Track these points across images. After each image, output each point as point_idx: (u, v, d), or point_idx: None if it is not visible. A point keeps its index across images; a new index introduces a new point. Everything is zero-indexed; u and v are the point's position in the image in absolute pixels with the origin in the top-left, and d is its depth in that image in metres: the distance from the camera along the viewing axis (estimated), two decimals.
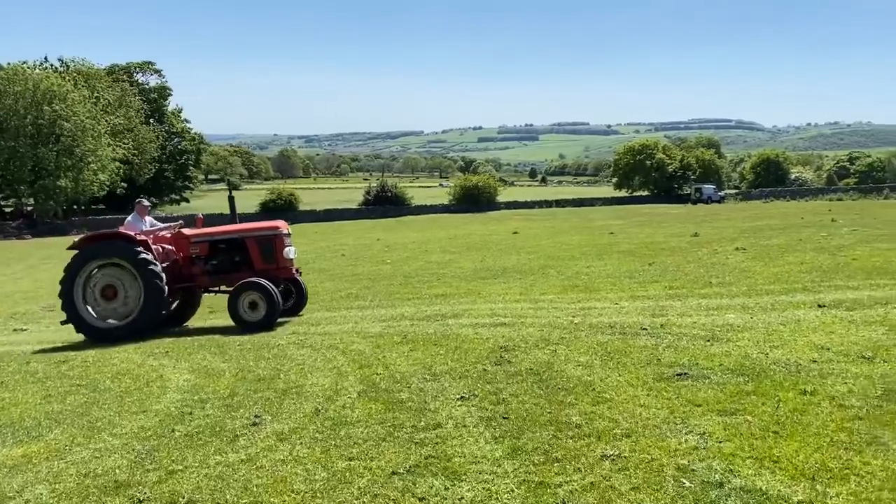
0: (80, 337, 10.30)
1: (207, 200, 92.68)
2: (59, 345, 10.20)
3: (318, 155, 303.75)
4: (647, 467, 3.98)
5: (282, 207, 58.28)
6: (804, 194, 67.68)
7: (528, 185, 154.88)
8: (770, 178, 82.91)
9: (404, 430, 4.90)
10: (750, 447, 4.16)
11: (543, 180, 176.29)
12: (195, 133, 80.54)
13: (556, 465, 4.12)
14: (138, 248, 10.42)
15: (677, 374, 5.89)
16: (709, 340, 7.25)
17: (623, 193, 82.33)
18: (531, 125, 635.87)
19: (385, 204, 60.59)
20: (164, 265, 10.51)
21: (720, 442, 4.28)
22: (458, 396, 5.63)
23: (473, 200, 61.85)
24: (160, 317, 10.62)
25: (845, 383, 5.31)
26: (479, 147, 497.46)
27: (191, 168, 79.46)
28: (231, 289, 10.68)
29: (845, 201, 56.27)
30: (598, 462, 4.11)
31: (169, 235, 11.42)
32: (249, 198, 59.70)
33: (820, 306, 8.87)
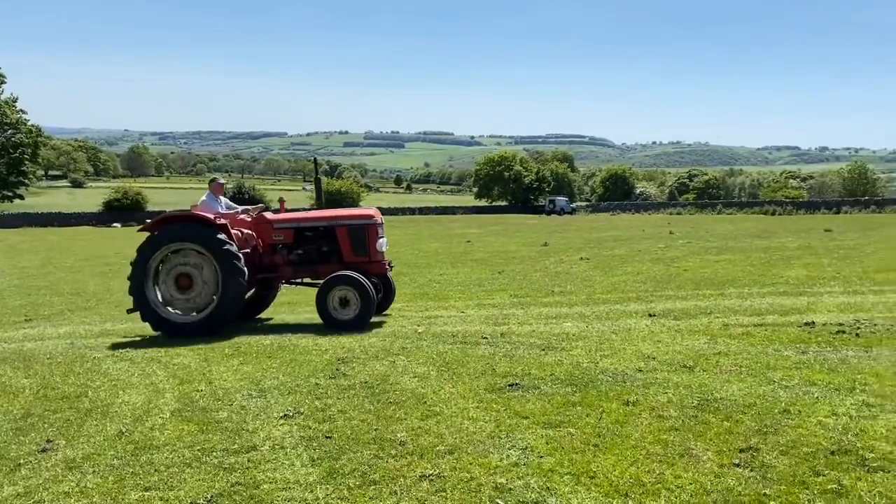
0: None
1: (46, 198, 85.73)
2: None
3: (172, 153, 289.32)
4: (465, 487, 3.84)
5: (128, 207, 54.85)
6: (647, 208, 72.03)
7: (394, 192, 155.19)
8: (618, 192, 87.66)
9: (214, 453, 4.50)
10: (569, 462, 4.12)
11: (409, 188, 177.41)
12: (32, 125, 74.24)
13: (372, 487, 3.89)
14: (218, 233, 9.34)
15: (510, 385, 5.85)
16: (544, 349, 7.31)
17: (483, 203, 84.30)
18: (397, 132, 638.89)
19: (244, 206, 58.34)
20: (243, 252, 9.47)
21: (541, 457, 4.21)
22: (281, 414, 5.28)
23: (337, 205, 60.99)
24: (237, 310, 9.61)
25: (666, 393, 5.45)
26: (345, 152, 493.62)
27: (26, 163, 73.16)
28: (317, 281, 9.92)
29: (683, 215, 60.41)
30: (416, 483, 3.92)
31: (248, 219, 10.30)
32: (93, 196, 55.78)
33: (650, 315, 9.24)
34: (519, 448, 4.38)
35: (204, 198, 10.39)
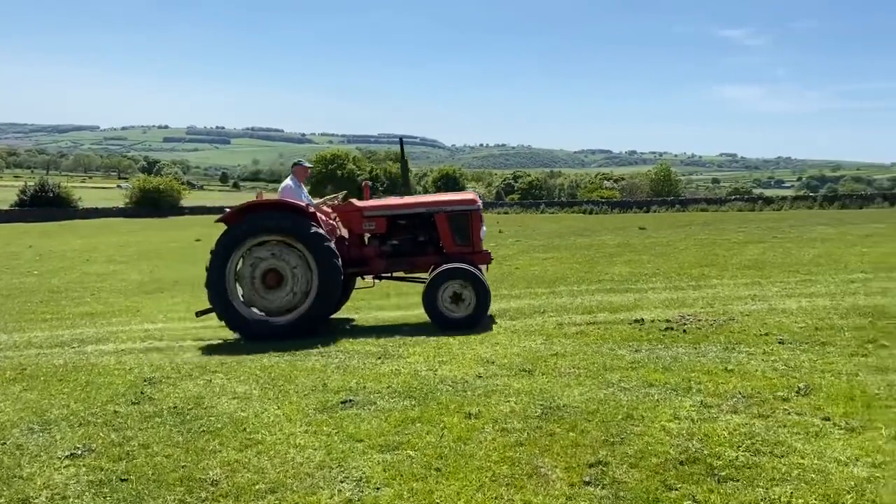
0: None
1: None
2: None
3: None
4: None
5: None
6: None
7: (220, 190, 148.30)
8: (449, 192, 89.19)
9: None
10: (409, 492, 3.66)
11: (236, 185, 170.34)
12: None
13: None
14: (312, 223, 8.38)
15: (342, 402, 5.30)
16: (380, 358, 6.83)
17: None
18: (223, 128, 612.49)
19: (47, 206, 52.91)
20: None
21: (378, 489, 3.72)
22: (67, 453, 4.40)
23: (154, 204, 56.95)
24: (333, 310, 8.72)
25: (508, 402, 5.15)
26: (166, 147, 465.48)
27: None
28: (412, 274, 9.19)
29: (511, 214, 62.47)
30: None
31: (330, 207, 9.26)
32: None
33: (487, 316, 9.05)
34: (353, 479, 3.86)
35: (289, 182, 9.27)
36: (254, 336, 8.29)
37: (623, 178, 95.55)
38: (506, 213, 65.58)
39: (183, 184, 76.61)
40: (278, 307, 8.43)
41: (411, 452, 4.22)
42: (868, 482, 3.52)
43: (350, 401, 5.32)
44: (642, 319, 8.19)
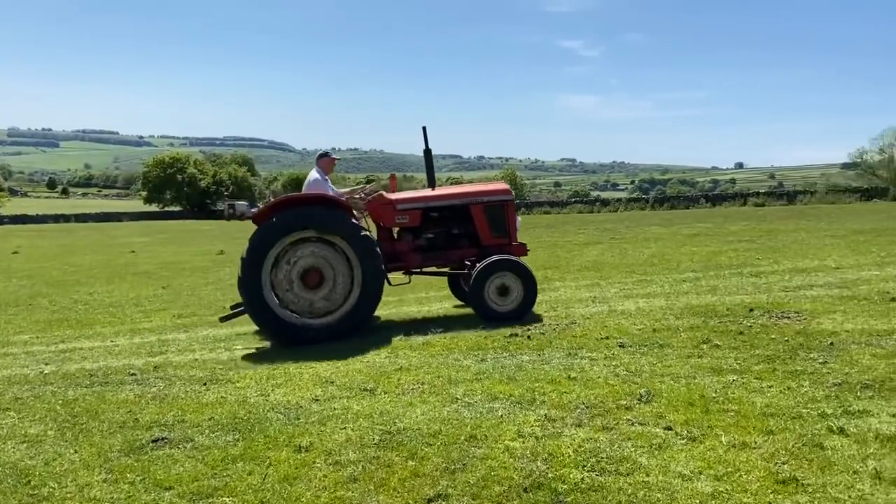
0: None
1: None
2: None
3: None
4: None
5: None
6: None
7: (47, 197, 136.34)
8: None
9: None
10: None
11: (65, 192, 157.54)
12: None
13: None
14: (351, 218, 8.04)
15: (154, 441, 4.64)
16: (205, 384, 6.17)
17: (154, 208, 77.76)
18: (50, 130, 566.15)
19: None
20: None
21: None
22: None
23: None
24: (375, 308, 8.21)
25: (345, 429, 4.71)
26: None
27: None
28: (448, 270, 9.08)
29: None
30: None
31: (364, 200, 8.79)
32: None
33: None
34: None
35: (316, 175, 8.71)
36: (296, 341, 7.78)
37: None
38: None
39: (3, 190, 69.74)
40: (320, 308, 7.96)
41: (228, 499, 3.69)
42: (713, 498, 3.40)
43: (163, 438, 4.67)
44: (487, 326, 8.02)
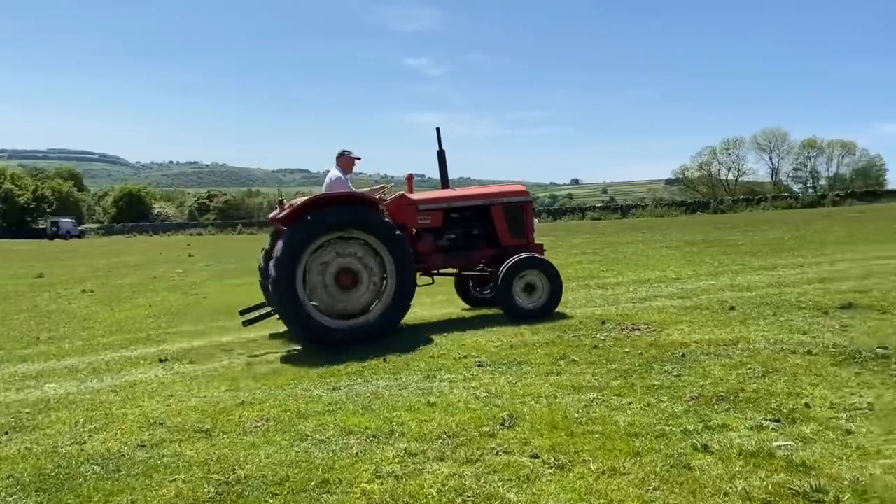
0: None
1: None
2: None
3: None
4: None
5: None
6: (167, 229, 68.83)
7: None
8: (133, 213, 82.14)
9: None
10: None
11: None
12: None
13: None
14: (384, 217, 7.92)
15: None
16: (7, 433, 5.26)
17: None
18: None
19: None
20: None
21: None
22: None
23: None
24: (406, 311, 7.99)
25: (174, 481, 4.07)
26: None
27: None
28: (465, 272, 9.33)
29: (205, 236, 59.14)
30: None
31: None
32: None
33: (162, 360, 7.71)
34: None
35: (338, 174, 8.48)
36: (327, 343, 7.61)
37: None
38: (199, 234, 61.95)
39: None
40: (354, 309, 7.86)
41: None
42: None
43: None
44: (341, 350, 7.53)
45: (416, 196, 8.98)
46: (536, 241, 9.36)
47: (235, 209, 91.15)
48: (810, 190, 67.52)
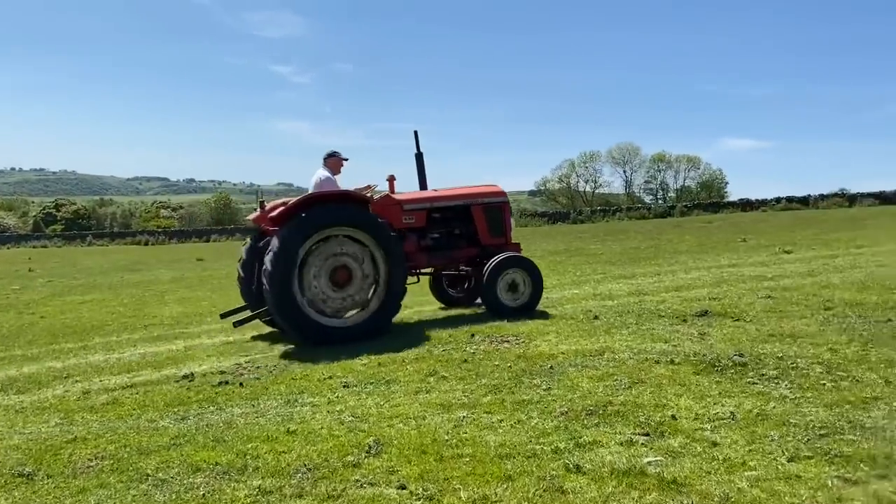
0: None
1: None
2: None
3: None
4: None
5: None
6: (6, 241, 63.09)
7: None
8: None
9: None
10: None
11: None
12: None
13: None
14: (378, 216, 8.09)
15: None
16: None
17: None
18: None
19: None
20: None
21: None
22: None
23: None
24: (399, 308, 8.23)
25: None
26: None
27: None
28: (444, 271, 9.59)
29: (50, 248, 54.66)
30: None
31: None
32: None
33: None
34: None
35: (327, 174, 8.62)
36: (323, 341, 7.68)
37: (182, 207, 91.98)
38: (44, 246, 57.36)
39: None
40: (348, 306, 8.02)
41: None
42: None
43: None
44: (192, 374, 6.93)
45: (400, 196, 9.18)
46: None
47: (86, 219, 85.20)
48: (660, 201, 71.72)
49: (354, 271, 7.96)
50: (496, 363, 6.46)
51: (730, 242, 19.90)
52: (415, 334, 8.04)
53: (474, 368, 6.34)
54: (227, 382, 6.45)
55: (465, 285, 10.15)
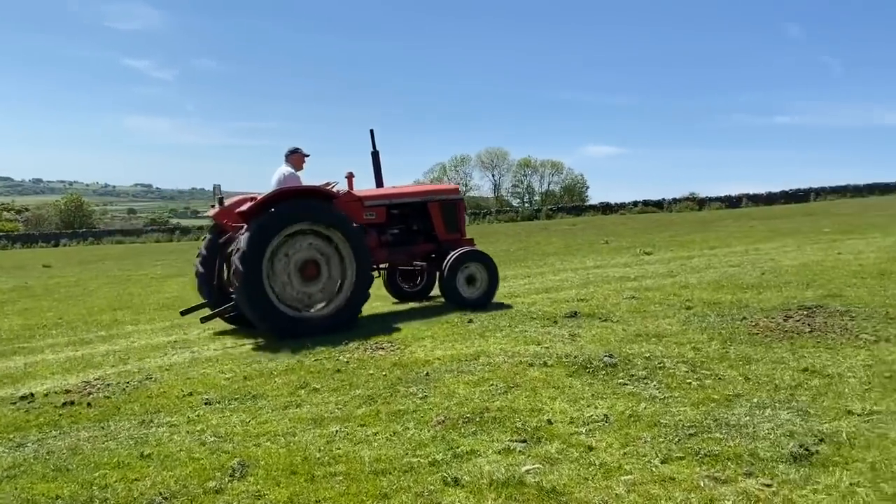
0: None
1: None
2: None
3: None
4: None
5: None
6: None
7: None
8: None
9: None
10: None
11: None
12: None
13: None
14: (343, 211, 8.34)
15: None
16: None
17: None
18: None
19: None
20: None
21: None
22: None
23: None
24: (365, 301, 8.43)
25: None
26: None
27: None
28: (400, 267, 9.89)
29: None
30: None
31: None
32: None
33: None
34: None
35: (291, 170, 8.79)
36: (293, 335, 7.75)
37: (28, 209, 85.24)
38: None
39: None
40: (316, 300, 8.18)
41: None
42: None
43: None
44: (32, 394, 6.25)
45: (361, 193, 9.38)
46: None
47: None
48: (527, 205, 73.90)
49: (323, 266, 8.19)
50: (370, 372, 6.25)
51: (594, 244, 20.68)
52: (285, 344, 7.68)
53: (348, 378, 6.09)
54: (72, 403, 5.85)
55: (418, 280, 10.62)
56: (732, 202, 48.67)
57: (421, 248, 9.73)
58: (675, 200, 49.60)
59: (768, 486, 3.47)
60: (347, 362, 6.68)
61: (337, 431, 4.74)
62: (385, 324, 8.53)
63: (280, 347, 7.52)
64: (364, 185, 9.91)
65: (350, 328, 8.12)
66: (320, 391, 5.78)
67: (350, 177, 9.72)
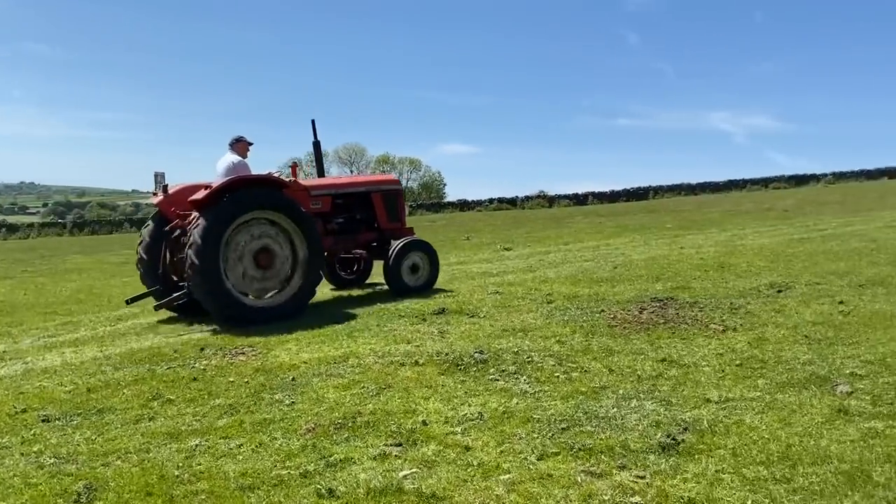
0: None
1: None
2: None
3: None
4: None
5: None
6: None
7: None
8: None
9: None
10: None
11: None
12: None
13: None
14: (295, 199, 8.46)
15: None
16: None
17: None
18: None
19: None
20: None
21: None
22: None
23: None
24: (315, 289, 8.62)
25: None
26: None
27: None
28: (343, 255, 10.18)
29: None
30: None
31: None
32: None
33: None
34: None
35: (239, 158, 8.84)
36: (246, 322, 7.81)
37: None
38: None
39: None
40: (270, 287, 8.25)
41: None
42: None
43: None
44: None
45: (307, 182, 9.53)
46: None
47: None
48: None
49: (276, 254, 8.25)
50: (231, 379, 5.88)
51: (456, 240, 20.91)
52: (133, 352, 7.09)
53: (206, 387, 5.69)
54: None
55: (356, 268, 10.89)
56: (580, 199, 51.13)
57: (364, 237, 10.05)
58: (527, 198, 51.40)
59: (642, 477, 3.54)
60: (204, 370, 6.25)
61: (196, 445, 4.39)
62: (245, 328, 8.11)
63: (128, 356, 6.93)
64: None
65: (300, 314, 8.31)
66: (175, 402, 5.35)
67: (294, 166, 10.16)
